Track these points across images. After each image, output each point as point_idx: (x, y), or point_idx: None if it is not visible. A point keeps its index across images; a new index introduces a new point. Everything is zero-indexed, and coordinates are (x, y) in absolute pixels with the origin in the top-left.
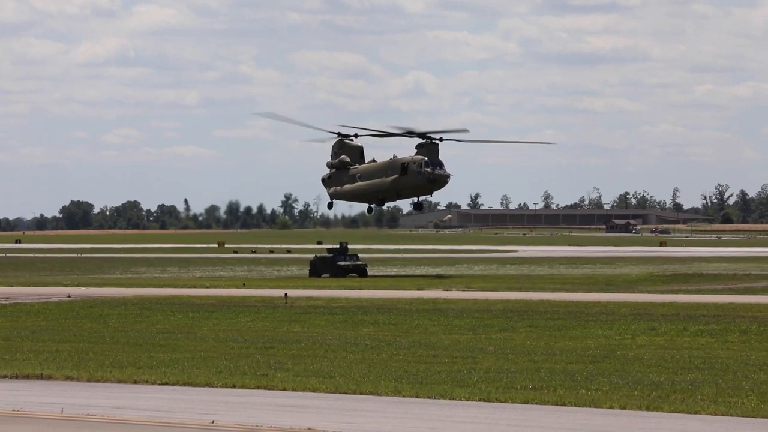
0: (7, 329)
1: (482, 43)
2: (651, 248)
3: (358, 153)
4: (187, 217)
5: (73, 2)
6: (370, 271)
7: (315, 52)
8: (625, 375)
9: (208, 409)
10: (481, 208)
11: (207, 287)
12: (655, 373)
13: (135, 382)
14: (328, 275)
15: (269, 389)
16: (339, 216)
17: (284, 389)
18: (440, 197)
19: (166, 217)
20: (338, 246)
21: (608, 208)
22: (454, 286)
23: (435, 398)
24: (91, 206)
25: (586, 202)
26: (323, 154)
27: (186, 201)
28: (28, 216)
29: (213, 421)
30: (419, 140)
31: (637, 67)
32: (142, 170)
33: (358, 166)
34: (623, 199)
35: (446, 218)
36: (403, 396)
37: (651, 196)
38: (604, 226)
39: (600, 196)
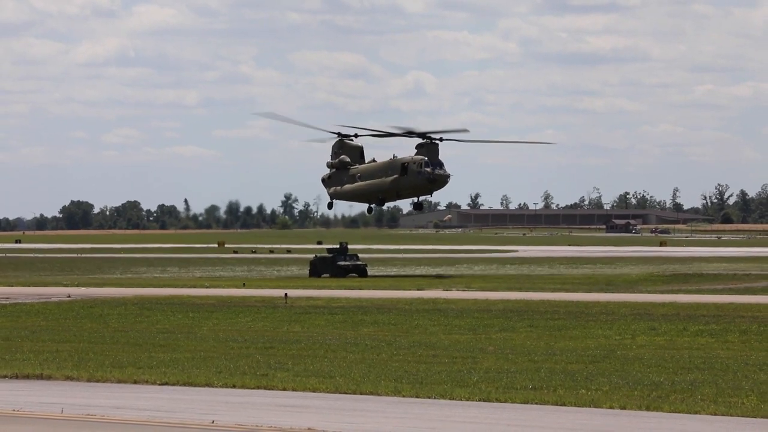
0: (7, 329)
1: (482, 43)
2: (651, 248)
3: (358, 153)
4: (187, 217)
5: (73, 2)
6: (370, 271)
7: (315, 52)
8: (625, 375)
9: (208, 409)
10: (481, 208)
11: (207, 287)
12: (655, 373)
13: (135, 382)
14: (328, 275)
15: (269, 389)
16: (339, 216)
17: (284, 389)
18: (440, 197)
19: (166, 217)
20: (338, 246)
21: (608, 208)
22: (454, 286)
23: (435, 398)
24: (91, 206)
25: (586, 202)
26: (323, 154)
27: (186, 201)
28: (28, 216)
29: (213, 421)
30: (419, 140)
31: (637, 67)
32: (142, 170)
33: (358, 166)
34: (623, 199)
35: (446, 218)
36: (403, 396)
37: (651, 196)
38: (604, 226)
39: (600, 196)
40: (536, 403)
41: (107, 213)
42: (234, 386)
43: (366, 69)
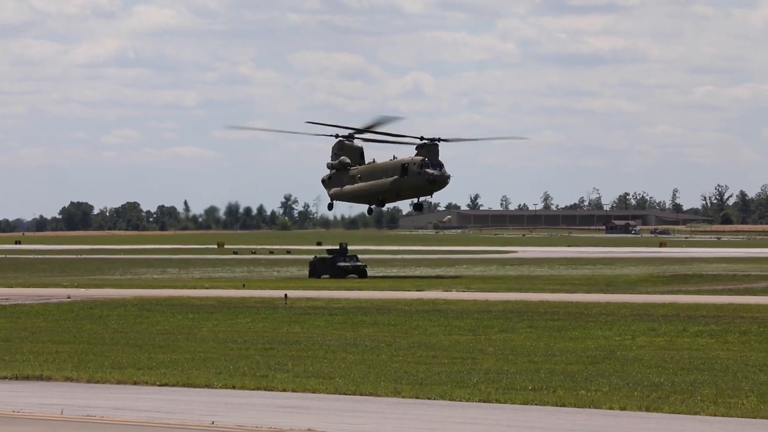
0: (6, 330)
1: (481, 43)
2: (651, 249)
3: (358, 154)
4: (187, 218)
5: (72, 3)
6: (369, 272)
7: (314, 53)
8: (624, 376)
9: (207, 410)
10: (480, 208)
11: (207, 288)
12: (654, 373)
13: (135, 383)
14: (327, 276)
15: (269, 390)
16: (338, 217)
17: (284, 390)
18: (440, 198)
19: (166, 218)
20: (338, 247)
21: (608, 209)
22: (453, 287)
23: (435, 399)
24: (91, 207)
25: (586, 203)
26: (323, 155)
27: (185, 202)
28: (28, 217)
29: (213, 422)
30: (419, 141)
31: (636, 68)
32: (142, 171)
33: (358, 167)
34: (623, 199)
35: (446, 219)
36: (403, 397)
37: (650, 197)
38: (603, 227)
39: (599, 197)
40: (536, 404)
41: (107, 214)
42: (234, 387)
43: (365, 70)
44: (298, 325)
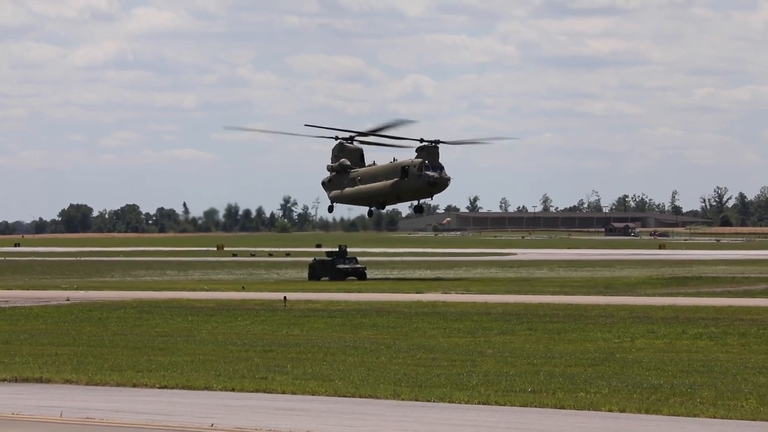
0: (6, 333)
1: (481, 46)
2: (650, 251)
3: (358, 156)
4: (186, 221)
5: (71, 6)
6: (369, 274)
7: (313, 56)
8: (624, 378)
9: (207, 412)
10: (480, 211)
11: (206, 290)
12: (654, 376)
13: (134, 386)
14: (327, 278)
15: (268, 392)
16: (338, 219)
17: (283, 392)
18: (439, 200)
19: (165, 220)
20: (337, 249)
21: (607, 211)
22: (453, 289)
23: (434, 401)
24: (90, 209)
25: (585, 205)
26: (322, 157)
27: (185, 204)
28: (27, 219)
29: (212, 425)
30: (419, 143)
31: (636, 70)
32: (141, 173)
33: (358, 169)
34: (622, 202)
35: (445, 221)
36: (402, 399)
37: (650, 199)
38: (603, 229)
39: (599, 199)
40: (535, 406)
41: (106, 216)
42: (233, 389)
43: (364, 72)
44: (297, 327)
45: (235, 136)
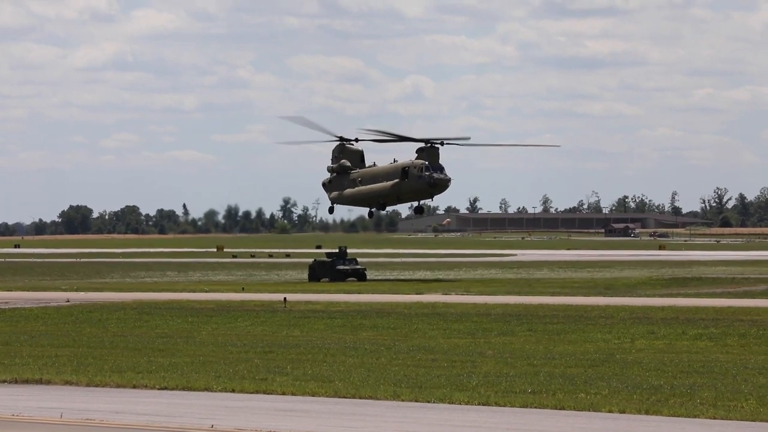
0: (6, 334)
1: (480, 47)
2: (650, 252)
3: (359, 157)
4: (186, 222)
5: (71, 7)
6: (369, 275)
7: (313, 57)
8: (624, 379)
9: (207, 413)
10: (480, 212)
11: (206, 292)
12: (654, 376)
13: (134, 387)
14: (327, 279)
15: (268, 393)
16: (338, 220)
17: (283, 393)
18: (439, 201)
19: (165, 221)
20: (337, 250)
21: (607, 212)
22: (453, 290)
23: (434, 402)
24: (90, 211)
25: (585, 206)
26: (322, 158)
27: (185, 205)
28: (27, 221)
29: (212, 426)
30: (420, 144)
31: (635, 71)
32: (141, 175)
33: (358, 170)
34: (622, 203)
35: (445, 222)
36: (403, 400)
37: (650, 200)
38: (602, 230)
39: (599, 200)
40: (535, 407)
41: (106, 217)
42: (233, 391)
43: (364, 73)
44: (297, 328)
45: (235, 137)
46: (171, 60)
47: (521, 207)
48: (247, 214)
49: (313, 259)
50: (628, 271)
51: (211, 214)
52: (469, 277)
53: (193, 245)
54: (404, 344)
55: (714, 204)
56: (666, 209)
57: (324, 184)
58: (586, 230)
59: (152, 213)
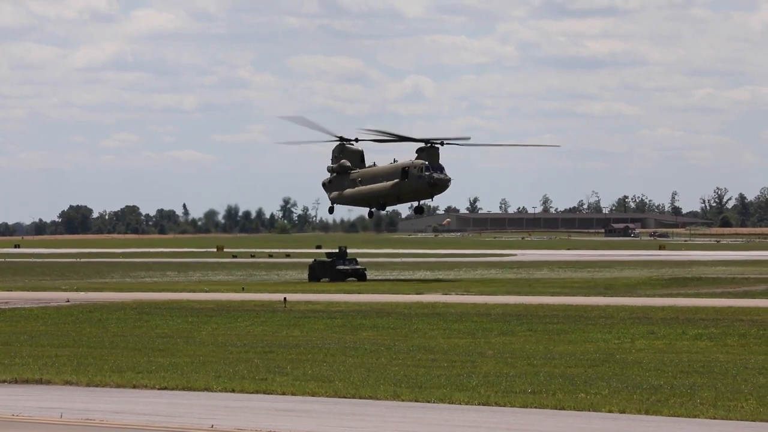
0: (6, 334)
1: (480, 47)
2: (650, 252)
3: (359, 157)
4: (186, 222)
5: (71, 7)
6: (369, 275)
7: (313, 57)
8: (624, 379)
9: (207, 413)
10: (480, 212)
11: (206, 292)
12: (654, 376)
13: (134, 387)
14: (327, 279)
15: (268, 394)
16: (338, 220)
17: (283, 394)
18: (439, 201)
19: (165, 221)
20: (337, 250)
21: (607, 212)
22: (453, 290)
23: (434, 402)
24: (90, 211)
25: (585, 206)
26: (322, 158)
27: (185, 205)
28: (27, 221)
29: (212, 426)
30: (420, 144)
31: (635, 71)
32: (141, 175)
33: (358, 170)
34: (622, 203)
35: (445, 222)
36: (403, 400)
37: (650, 200)
38: (602, 230)
39: (599, 200)
40: (535, 407)
41: (106, 217)
42: (233, 391)
43: (364, 73)
44: (297, 328)
45: (235, 136)
46: (171, 60)
47: (521, 207)
48: (247, 214)
49: (313, 259)
50: (628, 271)
51: (211, 214)
52: (469, 277)
53: (193, 245)
54: (404, 344)
55: (714, 204)
56: (666, 209)
57: (324, 184)
58: (586, 230)
59: (152, 213)
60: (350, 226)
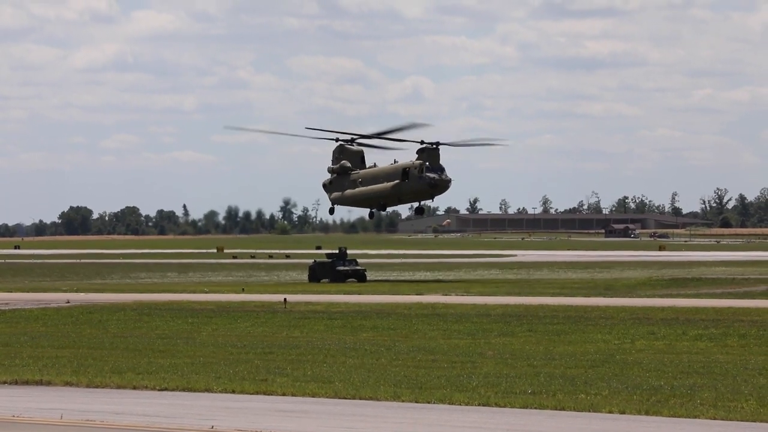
0: (6, 335)
1: (480, 48)
2: (650, 252)
3: (359, 158)
4: (186, 223)
5: (71, 8)
6: (369, 276)
7: (313, 57)
8: (624, 379)
9: (207, 414)
10: (479, 212)
11: (206, 293)
12: (654, 377)
13: (134, 388)
14: (327, 280)
15: (268, 394)
16: (338, 221)
17: (283, 394)
18: (439, 202)
19: (165, 222)
20: (337, 251)
21: (607, 213)
22: (453, 291)
23: (434, 403)
24: (90, 212)
25: (585, 207)
26: (322, 158)
27: (185, 206)
28: (27, 222)
29: (212, 427)
30: (420, 145)
31: (635, 71)
32: (141, 176)
33: (359, 171)
34: (622, 203)
35: (445, 223)
36: (403, 401)
37: (650, 201)
38: (602, 231)
39: (599, 201)
40: (535, 408)
41: (106, 218)
42: (233, 391)
43: (364, 74)
44: (297, 329)
45: (235, 137)
46: (171, 61)
47: (521, 207)
48: (247, 214)
49: (313, 260)
50: (629, 272)
51: (211, 215)
52: (469, 277)
53: (193, 246)
54: (404, 345)
55: (714, 204)
56: (666, 210)
57: (324, 185)
58: (586, 231)
59: (152, 214)
60: (350, 227)
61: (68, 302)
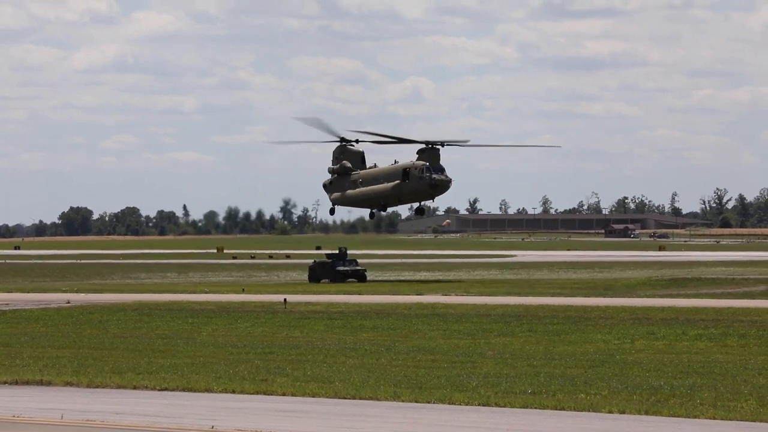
0: (6, 335)
1: (480, 48)
2: (650, 252)
3: (360, 158)
4: (186, 223)
5: (71, 9)
6: (369, 276)
7: (313, 58)
8: (624, 379)
9: (207, 414)
10: (479, 213)
11: (206, 293)
12: (654, 377)
13: (134, 388)
14: (327, 280)
15: (268, 394)
16: (338, 221)
17: (283, 394)
18: (439, 202)
19: (165, 223)
20: (337, 251)
21: (607, 213)
22: (453, 291)
23: (434, 403)
24: (90, 212)
25: (585, 207)
26: (322, 159)
27: (185, 207)
28: (27, 222)
29: (213, 427)
30: (420, 145)
31: (635, 71)
32: (141, 176)
33: (359, 171)
34: (622, 203)
35: (445, 223)
36: (403, 401)
37: (649, 201)
38: (602, 231)
39: (599, 201)
40: (535, 408)
41: (106, 219)
42: (233, 391)
43: (364, 74)
44: (297, 329)
45: (235, 138)
46: (171, 61)
47: (521, 208)
48: (247, 215)
49: (313, 260)
50: (628, 272)
51: (211, 216)
52: (469, 277)
53: (193, 246)
54: (404, 345)
55: (714, 205)
56: (666, 210)
57: (325, 186)
58: (585, 231)
59: (152, 214)
60: (350, 227)
61: (68, 302)
